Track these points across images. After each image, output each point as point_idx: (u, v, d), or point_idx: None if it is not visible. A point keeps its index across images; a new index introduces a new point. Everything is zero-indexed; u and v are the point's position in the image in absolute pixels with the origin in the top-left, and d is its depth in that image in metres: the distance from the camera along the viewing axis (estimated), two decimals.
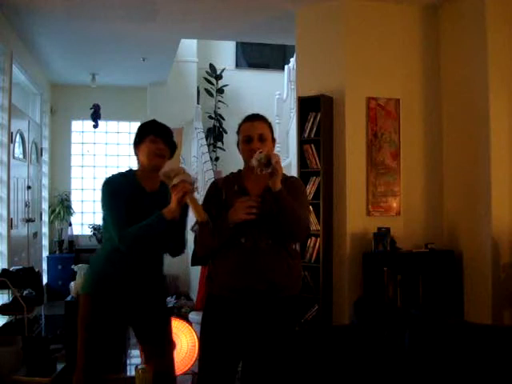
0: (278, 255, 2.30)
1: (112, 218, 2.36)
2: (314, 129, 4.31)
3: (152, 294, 2.50)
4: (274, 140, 2.44)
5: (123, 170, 2.58)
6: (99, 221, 6.53)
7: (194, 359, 3.81)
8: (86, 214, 7.90)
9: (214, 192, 2.40)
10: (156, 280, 2.53)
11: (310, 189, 4.28)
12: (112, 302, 2.38)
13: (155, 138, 2.43)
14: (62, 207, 7.50)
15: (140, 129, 2.53)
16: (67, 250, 7.47)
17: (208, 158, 6.66)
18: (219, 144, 7.95)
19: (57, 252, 7.45)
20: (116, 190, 2.40)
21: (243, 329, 2.30)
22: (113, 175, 2.50)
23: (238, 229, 2.26)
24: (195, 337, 3.89)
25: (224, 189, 2.37)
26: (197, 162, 7.09)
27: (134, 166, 2.58)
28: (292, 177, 2.54)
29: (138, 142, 2.49)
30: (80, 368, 2.36)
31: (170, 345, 2.55)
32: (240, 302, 2.29)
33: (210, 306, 2.39)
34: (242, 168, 2.44)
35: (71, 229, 7.60)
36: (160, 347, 2.49)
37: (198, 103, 7.78)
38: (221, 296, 2.33)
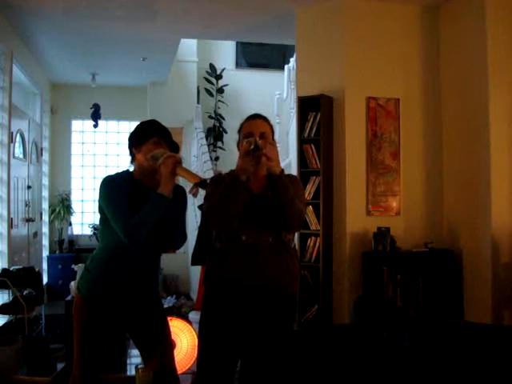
0: (277, 253, 2.31)
1: (115, 214, 2.27)
2: (314, 129, 4.32)
3: (147, 298, 2.45)
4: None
5: (119, 171, 2.48)
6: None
7: (193, 359, 3.80)
8: (86, 214, 7.90)
9: (218, 178, 2.41)
10: (151, 284, 2.48)
11: (310, 189, 4.29)
12: (107, 307, 2.34)
13: (159, 140, 2.36)
14: (62, 207, 7.51)
15: (141, 129, 2.43)
16: (67, 250, 7.48)
17: (208, 158, 6.67)
18: (219, 144, 7.95)
19: (57, 252, 7.45)
20: (117, 186, 2.32)
21: (241, 327, 2.31)
22: (110, 175, 2.41)
23: (239, 226, 2.27)
24: (195, 336, 3.88)
25: (227, 178, 2.37)
26: (197, 162, 7.10)
27: (131, 167, 2.48)
28: (289, 174, 2.55)
29: (138, 143, 2.39)
30: (77, 373, 2.32)
31: (169, 346, 2.50)
32: (239, 300, 2.29)
33: (209, 303, 2.39)
34: None
35: (71, 228, 7.61)
36: (158, 349, 2.42)
37: (198, 103, 7.78)
38: (219, 294, 2.33)
